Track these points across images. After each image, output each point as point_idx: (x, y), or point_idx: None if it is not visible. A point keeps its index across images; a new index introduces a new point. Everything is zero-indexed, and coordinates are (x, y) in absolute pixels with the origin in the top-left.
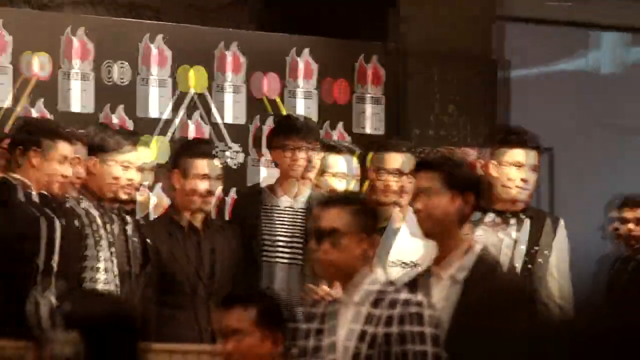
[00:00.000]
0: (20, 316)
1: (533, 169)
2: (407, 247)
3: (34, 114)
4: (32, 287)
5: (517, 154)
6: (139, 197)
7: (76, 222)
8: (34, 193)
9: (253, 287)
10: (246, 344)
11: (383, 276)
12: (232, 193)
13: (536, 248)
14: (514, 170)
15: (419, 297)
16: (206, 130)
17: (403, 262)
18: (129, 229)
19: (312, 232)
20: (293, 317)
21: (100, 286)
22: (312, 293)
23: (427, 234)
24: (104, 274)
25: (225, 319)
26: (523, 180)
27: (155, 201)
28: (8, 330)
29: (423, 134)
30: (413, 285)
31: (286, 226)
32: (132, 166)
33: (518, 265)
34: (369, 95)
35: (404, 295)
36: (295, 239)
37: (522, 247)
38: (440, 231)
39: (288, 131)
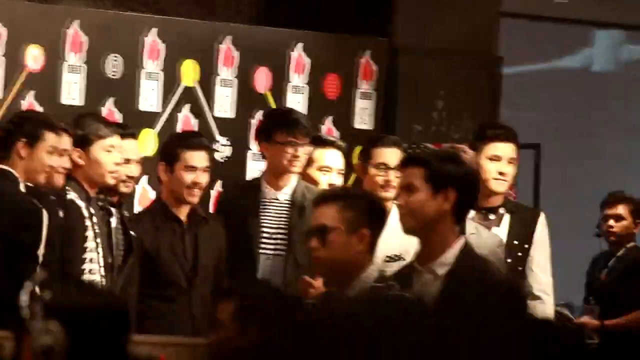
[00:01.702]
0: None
1: (510, 162)
2: (393, 241)
3: (24, 106)
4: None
5: (493, 148)
6: (125, 189)
7: (61, 213)
8: (22, 184)
9: (237, 281)
10: (223, 337)
11: (375, 272)
12: (218, 186)
13: (516, 242)
14: (491, 164)
15: (408, 295)
16: (194, 124)
17: (388, 256)
18: (113, 221)
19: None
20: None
21: (85, 277)
22: (303, 284)
23: (408, 230)
24: (89, 265)
25: (214, 311)
26: (500, 173)
27: (141, 193)
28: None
29: (425, 131)
30: (399, 280)
31: (271, 218)
32: (133, 160)
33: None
34: (361, 90)
35: (394, 292)
36: (279, 231)
37: (502, 241)
38: (420, 227)
39: (292, 127)
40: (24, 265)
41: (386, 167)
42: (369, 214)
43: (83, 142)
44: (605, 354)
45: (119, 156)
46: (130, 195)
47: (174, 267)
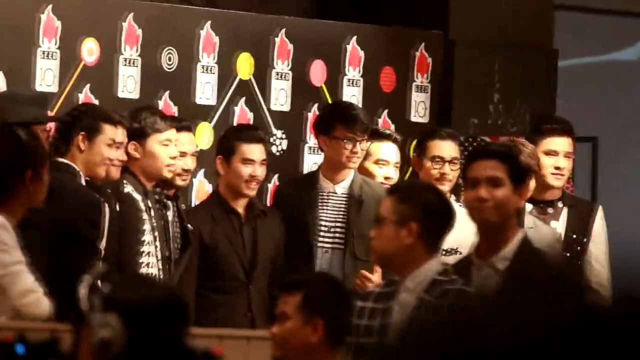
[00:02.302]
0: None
1: (567, 156)
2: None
3: (80, 99)
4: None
5: (550, 142)
6: (181, 183)
7: (117, 206)
8: (82, 177)
9: (305, 273)
10: (287, 329)
11: (438, 265)
12: (274, 179)
13: (574, 236)
14: (547, 159)
15: (451, 287)
16: (250, 117)
17: (444, 249)
18: (169, 214)
19: None
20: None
21: (142, 270)
22: (361, 278)
23: (487, 224)
24: (147, 258)
25: (279, 303)
26: (557, 168)
27: (197, 187)
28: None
29: (481, 124)
30: (459, 273)
31: (329, 211)
32: (188, 153)
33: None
34: (417, 83)
35: (457, 286)
36: (337, 224)
37: (561, 235)
38: (501, 222)
39: (352, 123)
40: (86, 258)
41: (442, 160)
42: (423, 209)
43: (139, 135)
44: None
45: (175, 150)
46: (187, 189)
47: (232, 260)
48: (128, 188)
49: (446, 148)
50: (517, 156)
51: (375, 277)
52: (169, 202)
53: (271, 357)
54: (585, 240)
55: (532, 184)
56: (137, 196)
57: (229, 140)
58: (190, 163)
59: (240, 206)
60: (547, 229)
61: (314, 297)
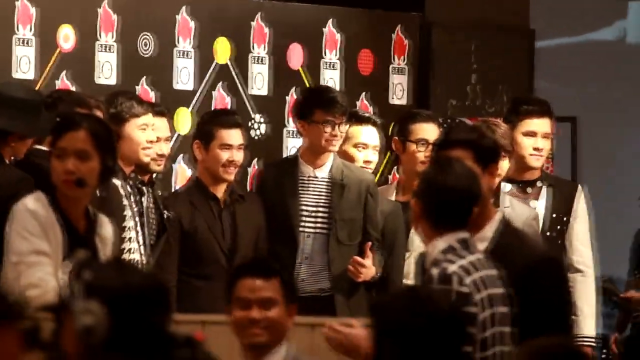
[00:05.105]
0: None
1: (545, 137)
2: None
3: (58, 86)
4: None
5: (528, 124)
6: (157, 168)
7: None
8: None
9: (274, 259)
10: (278, 314)
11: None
12: (254, 164)
13: (555, 215)
14: (526, 139)
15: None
16: (230, 102)
17: None
18: (145, 199)
19: None
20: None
21: (126, 256)
22: (353, 264)
23: None
24: (128, 244)
25: (258, 288)
26: (535, 148)
27: (178, 172)
28: None
29: (459, 105)
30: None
31: (311, 196)
32: (162, 138)
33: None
34: (395, 65)
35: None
36: (319, 209)
37: (541, 215)
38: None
39: (330, 106)
40: None
41: (427, 143)
42: (421, 186)
43: (117, 120)
44: None
45: (153, 134)
46: (169, 175)
47: (212, 246)
48: None
49: (430, 130)
50: (480, 137)
51: (368, 261)
52: (145, 188)
53: (253, 343)
54: (567, 219)
55: (506, 163)
56: (118, 182)
57: (206, 126)
58: (164, 148)
59: (219, 191)
60: (524, 208)
61: (289, 282)
